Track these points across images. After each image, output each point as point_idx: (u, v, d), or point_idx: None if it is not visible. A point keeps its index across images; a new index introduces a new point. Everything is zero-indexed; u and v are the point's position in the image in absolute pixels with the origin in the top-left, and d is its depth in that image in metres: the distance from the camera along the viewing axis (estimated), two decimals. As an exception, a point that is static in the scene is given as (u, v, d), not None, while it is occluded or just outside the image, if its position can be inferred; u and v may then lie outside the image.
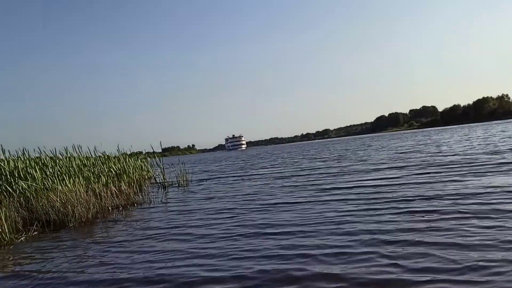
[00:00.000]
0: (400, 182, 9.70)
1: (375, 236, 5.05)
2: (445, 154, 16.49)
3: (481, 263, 3.79)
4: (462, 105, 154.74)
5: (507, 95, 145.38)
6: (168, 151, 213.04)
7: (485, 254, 4.04)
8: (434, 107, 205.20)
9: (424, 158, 15.68)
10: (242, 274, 4.16)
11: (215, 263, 4.65)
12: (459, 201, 6.73)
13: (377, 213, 6.49)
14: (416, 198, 7.38)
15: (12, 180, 9.81)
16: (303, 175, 14.40)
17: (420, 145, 27.42)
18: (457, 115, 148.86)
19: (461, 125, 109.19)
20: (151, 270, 4.61)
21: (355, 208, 7.06)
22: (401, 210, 6.45)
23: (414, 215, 6.03)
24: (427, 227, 5.25)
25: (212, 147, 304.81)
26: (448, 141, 27.55)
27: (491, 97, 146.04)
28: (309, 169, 16.75)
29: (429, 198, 7.23)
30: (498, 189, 7.35)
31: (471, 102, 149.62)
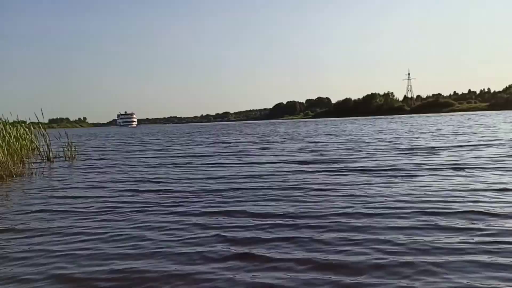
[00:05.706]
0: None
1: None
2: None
3: None
4: (353, 99, 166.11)
5: (392, 93, 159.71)
6: (56, 123, 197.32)
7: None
8: (328, 99, 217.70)
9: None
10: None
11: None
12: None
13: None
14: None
15: None
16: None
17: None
18: (348, 108, 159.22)
19: (351, 118, 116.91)
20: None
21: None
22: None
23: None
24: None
25: (106, 122, 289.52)
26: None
27: (378, 93, 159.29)
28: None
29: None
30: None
31: (361, 97, 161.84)
